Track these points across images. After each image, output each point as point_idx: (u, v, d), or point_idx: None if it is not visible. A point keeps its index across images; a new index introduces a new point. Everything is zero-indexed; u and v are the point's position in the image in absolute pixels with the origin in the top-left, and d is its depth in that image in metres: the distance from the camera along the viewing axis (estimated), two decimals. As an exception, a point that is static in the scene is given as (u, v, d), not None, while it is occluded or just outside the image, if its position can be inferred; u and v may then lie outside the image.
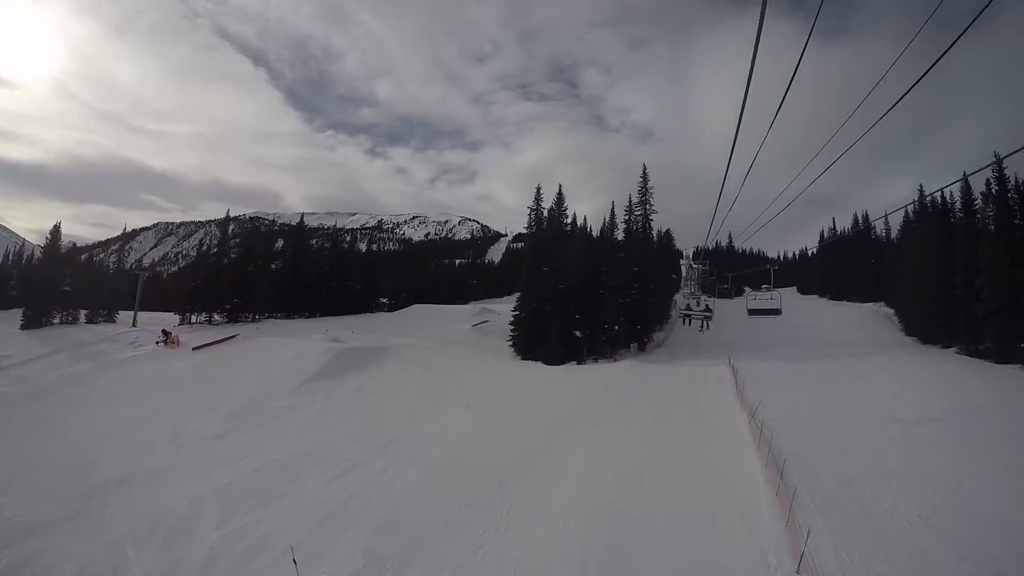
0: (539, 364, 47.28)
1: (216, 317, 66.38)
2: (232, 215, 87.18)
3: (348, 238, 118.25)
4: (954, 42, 5.85)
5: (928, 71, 6.31)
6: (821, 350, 48.96)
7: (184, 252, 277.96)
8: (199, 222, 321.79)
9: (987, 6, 5.58)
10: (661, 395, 34.56)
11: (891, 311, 70.14)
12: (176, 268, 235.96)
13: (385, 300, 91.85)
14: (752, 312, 30.22)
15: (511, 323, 52.63)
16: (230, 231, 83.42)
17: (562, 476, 21.03)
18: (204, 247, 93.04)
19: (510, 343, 51.57)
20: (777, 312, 30.26)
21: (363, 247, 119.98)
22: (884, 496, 18.57)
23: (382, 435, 26.52)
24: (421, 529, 16.78)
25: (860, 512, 17.39)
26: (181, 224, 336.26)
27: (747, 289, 58.01)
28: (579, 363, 48.02)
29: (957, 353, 46.81)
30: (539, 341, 49.18)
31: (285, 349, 45.20)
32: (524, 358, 49.29)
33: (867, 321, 70.67)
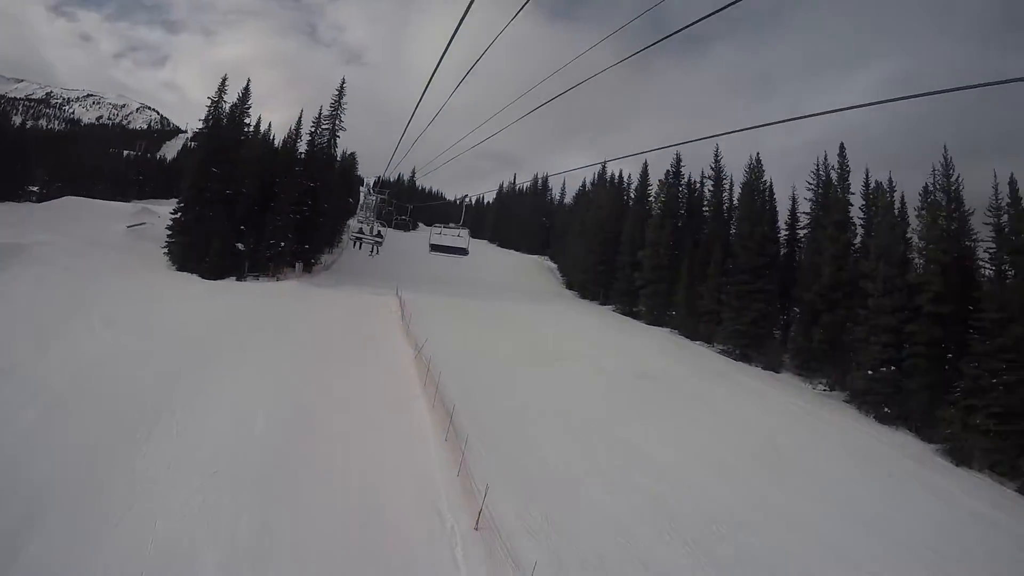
0: (195, 277, 43.30)
1: None
2: None
3: (5, 108, 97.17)
4: (625, 58, 7.08)
5: (593, 76, 7.61)
6: (490, 291, 52.24)
7: None
8: None
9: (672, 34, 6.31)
10: (325, 322, 33.60)
11: (554, 265, 78.60)
12: None
13: (35, 188, 76.88)
14: (435, 248, 27.78)
15: (169, 227, 46.77)
16: None
17: (212, 411, 18.58)
18: None
19: (166, 251, 46.04)
20: (463, 252, 28.31)
21: (19, 121, 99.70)
22: (554, 442, 19.28)
23: (-1, 358, 20.90)
24: (42, 489, 13.31)
25: (533, 460, 17.68)
26: None
27: (420, 224, 58.53)
28: (239, 279, 45.04)
29: (614, 311, 54.34)
30: (199, 251, 44.64)
31: None
32: (180, 269, 44.67)
33: (533, 271, 77.25)
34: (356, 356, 27.05)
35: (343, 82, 53.57)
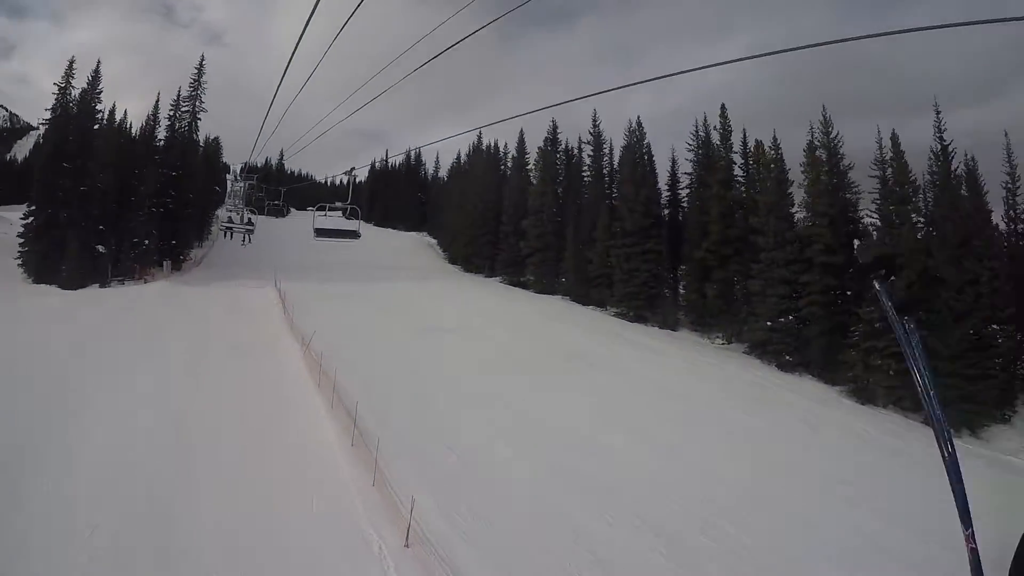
0: (54, 288, 39.82)
1: None
2: None
3: None
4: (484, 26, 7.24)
5: (457, 44, 7.66)
6: (373, 273, 50.06)
7: None
8: None
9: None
10: (201, 326, 31.61)
11: (434, 241, 76.70)
12: None
13: None
14: (321, 233, 24.14)
15: (20, 235, 42.69)
16: None
17: (81, 449, 15.70)
18: None
19: (20, 262, 41.95)
20: (355, 235, 25.15)
21: None
22: (469, 430, 18.45)
23: None
24: None
25: (451, 454, 16.67)
26: None
27: (293, 209, 56.20)
28: (103, 286, 41.66)
29: (501, 282, 53.77)
30: (55, 259, 40.96)
31: None
32: (37, 281, 40.88)
33: (414, 248, 74.75)
34: (239, 361, 25.08)
35: (202, 59, 50.03)
